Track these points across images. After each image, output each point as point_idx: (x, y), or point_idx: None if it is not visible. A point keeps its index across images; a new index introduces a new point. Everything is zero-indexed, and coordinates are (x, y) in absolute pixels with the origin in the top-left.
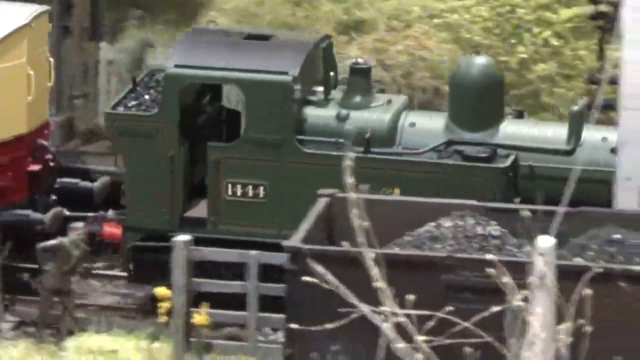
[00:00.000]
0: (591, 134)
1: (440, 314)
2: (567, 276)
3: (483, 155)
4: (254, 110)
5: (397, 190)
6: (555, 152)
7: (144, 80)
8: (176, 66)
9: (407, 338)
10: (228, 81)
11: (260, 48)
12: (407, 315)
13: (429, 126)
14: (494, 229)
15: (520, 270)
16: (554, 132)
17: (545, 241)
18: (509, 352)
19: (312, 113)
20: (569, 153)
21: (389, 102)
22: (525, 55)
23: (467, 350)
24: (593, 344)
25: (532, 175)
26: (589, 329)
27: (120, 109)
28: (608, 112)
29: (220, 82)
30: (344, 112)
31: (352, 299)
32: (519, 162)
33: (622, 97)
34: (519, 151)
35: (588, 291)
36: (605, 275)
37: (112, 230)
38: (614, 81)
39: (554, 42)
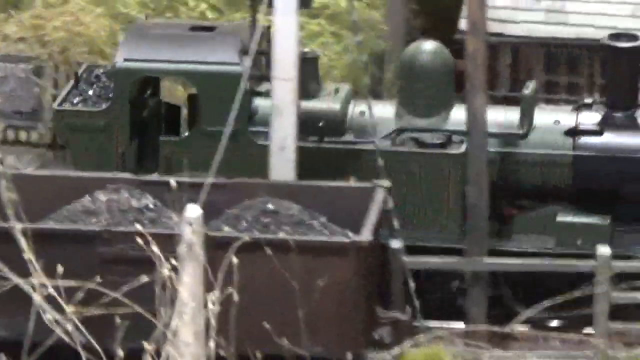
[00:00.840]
0: (543, 117)
1: (91, 285)
2: (217, 246)
3: (438, 141)
4: (207, 102)
5: (352, 180)
6: (509, 136)
7: (83, 76)
8: (126, 60)
9: (61, 310)
10: (180, 74)
11: (207, 39)
12: (57, 287)
13: (379, 114)
14: (149, 201)
15: (172, 242)
16: (506, 117)
17: (193, 211)
18: (159, 322)
19: (262, 104)
20: (522, 137)
21: (337, 90)
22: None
23: (119, 321)
24: (243, 312)
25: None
26: (237, 297)
27: (67, 106)
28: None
29: (172, 75)
30: None
31: (4, 270)
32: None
33: (273, 67)
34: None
35: (235, 260)
36: (253, 244)
37: None
38: (264, 52)
39: (210, 14)
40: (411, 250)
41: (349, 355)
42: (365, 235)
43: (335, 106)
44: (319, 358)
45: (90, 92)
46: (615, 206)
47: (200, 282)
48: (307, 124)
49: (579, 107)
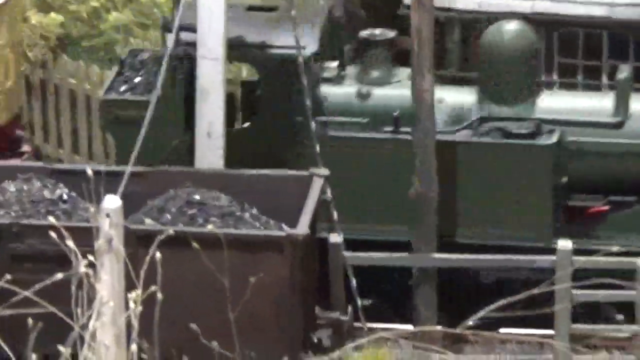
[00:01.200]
0: None
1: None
2: (139, 240)
3: (526, 131)
4: (269, 90)
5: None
6: (603, 125)
7: (127, 62)
8: (180, 45)
9: None
10: (241, 60)
11: (269, 21)
12: None
13: (458, 101)
14: (63, 192)
15: (88, 236)
16: (599, 103)
17: (112, 202)
18: (76, 323)
19: (330, 91)
20: (618, 126)
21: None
22: (97, 4)
23: (31, 321)
24: (168, 312)
25: (580, 151)
26: (161, 294)
27: (114, 95)
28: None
29: (233, 61)
30: (365, 89)
31: None
32: (564, 138)
33: (198, 46)
34: (563, 126)
35: (159, 255)
36: (178, 238)
37: None
38: (190, 28)
39: None
40: (497, 250)
41: (284, 359)
42: (302, 228)
43: (410, 93)
44: None
45: (137, 80)
46: None
47: (120, 280)
48: (380, 113)
49: None
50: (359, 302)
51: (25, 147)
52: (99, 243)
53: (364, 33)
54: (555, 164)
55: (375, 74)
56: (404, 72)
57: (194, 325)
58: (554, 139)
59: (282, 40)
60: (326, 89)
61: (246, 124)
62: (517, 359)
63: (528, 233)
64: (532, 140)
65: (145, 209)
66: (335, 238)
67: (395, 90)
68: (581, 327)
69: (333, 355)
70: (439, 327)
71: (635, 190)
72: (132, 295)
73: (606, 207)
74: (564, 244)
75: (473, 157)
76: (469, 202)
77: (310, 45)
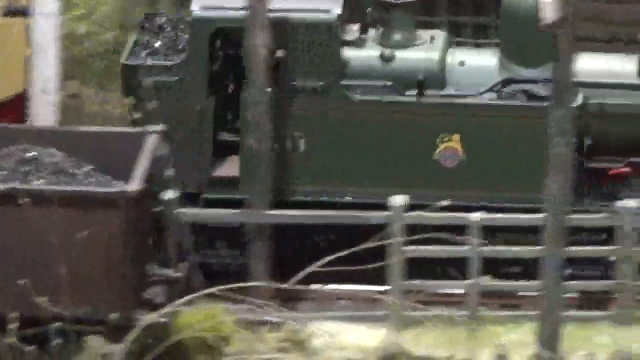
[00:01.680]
0: None
1: None
2: None
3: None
4: (296, 53)
5: (455, 139)
6: (629, 87)
7: (146, 26)
8: (203, 9)
9: None
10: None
11: None
12: None
13: (480, 63)
14: None
15: None
16: (622, 65)
17: None
18: None
19: (352, 55)
20: None
21: (432, 39)
22: None
23: None
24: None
25: (604, 113)
26: None
27: (135, 60)
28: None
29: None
30: (387, 52)
31: None
32: (589, 100)
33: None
34: (587, 87)
35: None
36: (8, 195)
37: None
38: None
39: None
40: (509, 210)
41: (115, 316)
42: (134, 184)
43: (433, 56)
44: (83, 319)
45: (157, 44)
46: None
47: None
48: (404, 76)
49: None
50: (194, 259)
51: None
52: None
53: None
54: (580, 126)
55: (397, 36)
56: (426, 35)
57: (24, 281)
58: (578, 100)
59: (306, 4)
60: (349, 52)
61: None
62: (346, 316)
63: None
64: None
65: None
66: (169, 194)
67: (419, 53)
68: (414, 284)
69: (165, 312)
70: (269, 283)
71: None
72: None
73: (627, 169)
74: (397, 199)
75: (494, 121)
76: (491, 166)
77: (335, 8)
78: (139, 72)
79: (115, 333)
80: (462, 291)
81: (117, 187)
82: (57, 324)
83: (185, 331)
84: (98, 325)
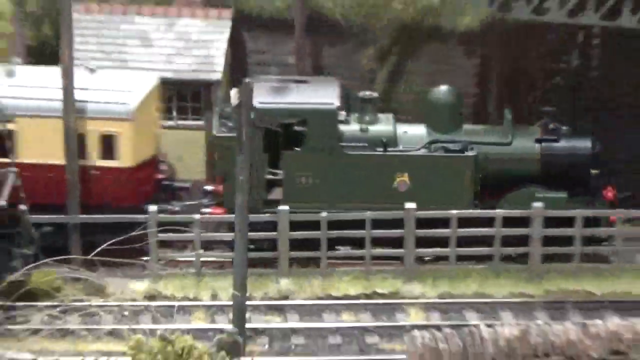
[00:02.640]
0: (520, 131)
1: None
2: None
3: (458, 148)
4: (313, 128)
5: (405, 175)
6: (501, 144)
7: (223, 111)
8: (260, 103)
9: None
10: (297, 112)
11: (307, 88)
12: None
13: (415, 132)
14: None
15: None
16: (494, 131)
17: None
18: None
19: (344, 128)
20: (509, 144)
21: (387, 119)
22: None
23: None
24: None
25: (487, 159)
26: None
27: (220, 132)
28: None
29: (293, 114)
30: (364, 127)
31: None
32: (479, 152)
33: None
34: (479, 145)
35: None
36: None
37: (217, 210)
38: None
39: None
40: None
41: None
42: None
43: (390, 129)
44: None
45: (230, 124)
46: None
47: None
48: (374, 140)
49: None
50: (37, 243)
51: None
52: None
53: (360, 93)
54: (475, 167)
55: (368, 117)
56: (383, 116)
57: None
58: (474, 152)
59: (317, 99)
60: (342, 127)
61: (296, 149)
62: (125, 274)
63: (457, 203)
64: (462, 154)
65: None
66: (22, 207)
67: (381, 127)
68: (168, 254)
69: (20, 273)
70: (79, 255)
71: (520, 181)
72: None
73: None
74: (152, 207)
75: (428, 164)
76: (426, 190)
77: (335, 101)
78: (223, 140)
79: None
80: (193, 259)
81: None
82: None
83: (32, 284)
84: None
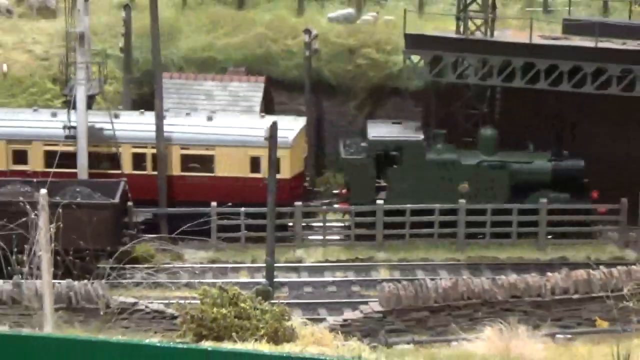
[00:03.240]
0: (537, 155)
1: None
2: None
3: (499, 165)
4: (407, 153)
5: (466, 183)
6: (525, 162)
7: (347, 142)
8: (373, 137)
9: None
10: (399, 142)
11: (401, 126)
12: None
13: (471, 155)
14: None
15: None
16: (520, 154)
17: None
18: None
19: (427, 153)
20: (531, 163)
21: (452, 147)
22: None
23: None
24: None
25: (516, 172)
26: None
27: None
28: None
29: (396, 144)
30: (438, 151)
31: None
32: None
33: None
34: (511, 163)
35: None
36: None
37: (343, 204)
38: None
39: None
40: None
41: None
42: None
43: (454, 153)
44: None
45: (352, 150)
46: None
47: None
48: (444, 161)
49: None
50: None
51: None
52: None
53: (434, 130)
54: (510, 177)
55: (439, 145)
56: (451, 146)
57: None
58: (509, 168)
59: (410, 133)
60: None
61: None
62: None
63: (498, 200)
64: (501, 169)
65: None
66: (129, 203)
67: (449, 151)
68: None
69: (127, 246)
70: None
71: (537, 187)
72: None
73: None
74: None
75: (480, 175)
76: (479, 192)
77: (421, 135)
78: (351, 161)
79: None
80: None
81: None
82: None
83: (135, 253)
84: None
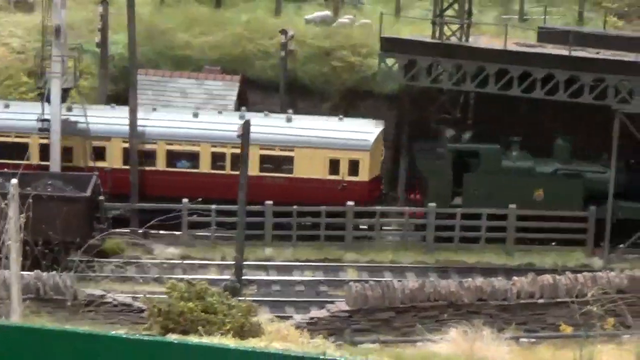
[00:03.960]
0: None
1: None
2: None
3: (573, 173)
4: (485, 160)
5: (541, 190)
6: (597, 172)
7: (419, 148)
8: (449, 145)
9: None
10: (477, 149)
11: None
12: None
13: (547, 163)
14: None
15: None
16: (589, 164)
17: None
18: None
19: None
20: (604, 173)
21: (527, 155)
22: None
23: None
24: None
25: (588, 180)
26: None
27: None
28: None
29: (472, 150)
30: (513, 158)
31: None
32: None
33: None
34: (584, 172)
35: None
36: None
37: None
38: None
39: None
40: None
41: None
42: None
43: (530, 161)
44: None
45: (428, 156)
46: None
47: None
48: (519, 168)
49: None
50: (108, 219)
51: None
52: None
53: (510, 138)
54: (584, 185)
55: (514, 153)
56: (525, 153)
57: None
58: (583, 176)
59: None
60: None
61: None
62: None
63: (573, 206)
64: (577, 178)
65: None
66: (101, 198)
67: (524, 159)
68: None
69: (96, 238)
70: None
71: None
72: None
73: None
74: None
75: (555, 183)
76: (553, 198)
77: (497, 144)
78: (430, 166)
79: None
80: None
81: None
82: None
83: (104, 246)
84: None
